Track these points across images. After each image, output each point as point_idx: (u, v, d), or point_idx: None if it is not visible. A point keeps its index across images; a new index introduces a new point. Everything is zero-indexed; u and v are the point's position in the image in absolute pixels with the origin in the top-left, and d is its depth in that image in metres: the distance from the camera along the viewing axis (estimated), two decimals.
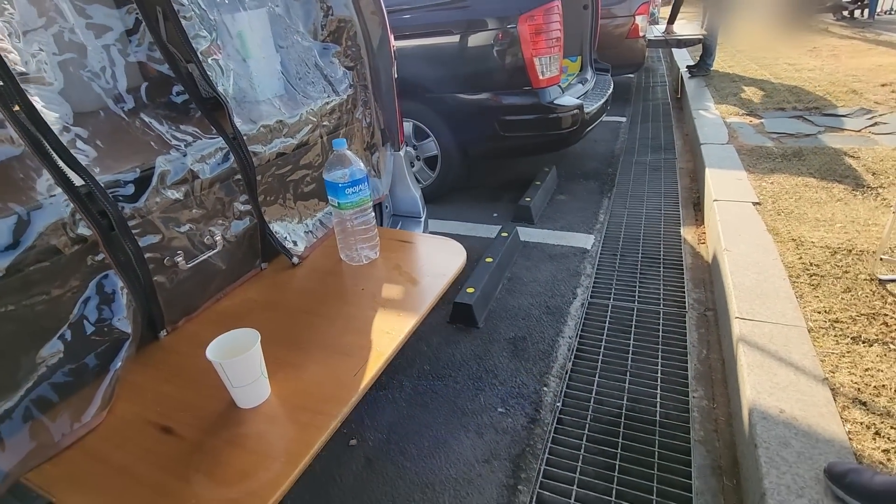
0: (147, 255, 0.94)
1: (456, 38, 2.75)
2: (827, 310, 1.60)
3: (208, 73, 1.09)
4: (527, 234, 2.68)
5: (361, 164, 1.18)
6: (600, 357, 1.77)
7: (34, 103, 0.81)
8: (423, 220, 1.75)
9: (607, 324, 1.94)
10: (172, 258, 1.00)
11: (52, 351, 0.82)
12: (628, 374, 1.68)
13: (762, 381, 1.29)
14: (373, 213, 1.24)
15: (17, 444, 0.75)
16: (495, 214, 2.96)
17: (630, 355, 1.76)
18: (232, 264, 1.17)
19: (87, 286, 0.87)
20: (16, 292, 0.77)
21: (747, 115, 3.78)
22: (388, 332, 1.00)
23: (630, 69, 5.05)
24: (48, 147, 0.82)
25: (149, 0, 1.01)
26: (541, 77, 2.66)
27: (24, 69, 0.82)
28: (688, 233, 2.53)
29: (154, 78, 1.04)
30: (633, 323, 1.92)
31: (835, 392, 1.26)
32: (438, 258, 1.27)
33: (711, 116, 3.77)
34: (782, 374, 1.31)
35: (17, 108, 0.79)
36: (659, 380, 1.64)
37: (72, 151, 0.85)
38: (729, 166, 2.83)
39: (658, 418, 1.49)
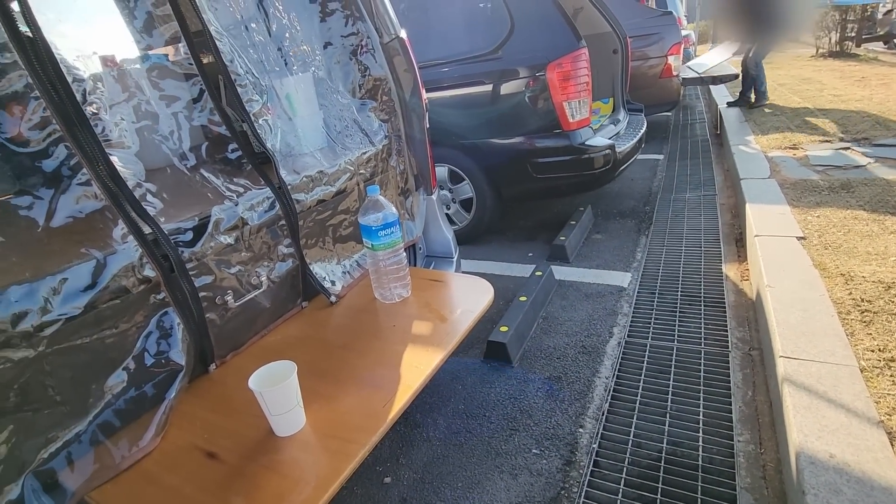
0: (201, 294, 1.04)
1: (488, 88, 2.89)
2: (881, 348, 1.51)
3: (259, 131, 1.23)
4: (562, 272, 2.68)
5: (393, 209, 1.27)
6: (638, 398, 1.73)
7: (115, 164, 0.95)
8: (455, 259, 1.81)
9: (645, 363, 1.89)
10: (223, 297, 1.11)
11: (118, 380, 0.92)
12: (668, 415, 1.62)
13: (810, 423, 1.23)
14: (404, 254, 1.32)
15: (84, 465, 0.84)
16: (530, 254, 2.99)
17: (670, 396, 1.70)
18: (276, 303, 1.26)
19: (149, 322, 0.97)
20: (90, 326, 0.88)
21: (790, 148, 3.69)
22: (417, 366, 1.04)
23: (665, 108, 5.07)
24: (123, 200, 0.95)
25: (211, 72, 1.17)
26: (571, 120, 2.74)
27: (108, 136, 0.97)
28: (730, 270, 2.46)
29: (212, 138, 1.18)
30: (673, 363, 1.87)
31: (892, 436, 1.18)
32: (467, 296, 1.32)
33: (752, 151, 3.71)
34: (832, 416, 1.24)
35: (101, 168, 0.93)
36: (701, 422, 1.57)
37: (142, 204, 0.98)
38: (771, 201, 2.76)
39: (701, 463, 1.43)
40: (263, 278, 1.21)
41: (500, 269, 2.86)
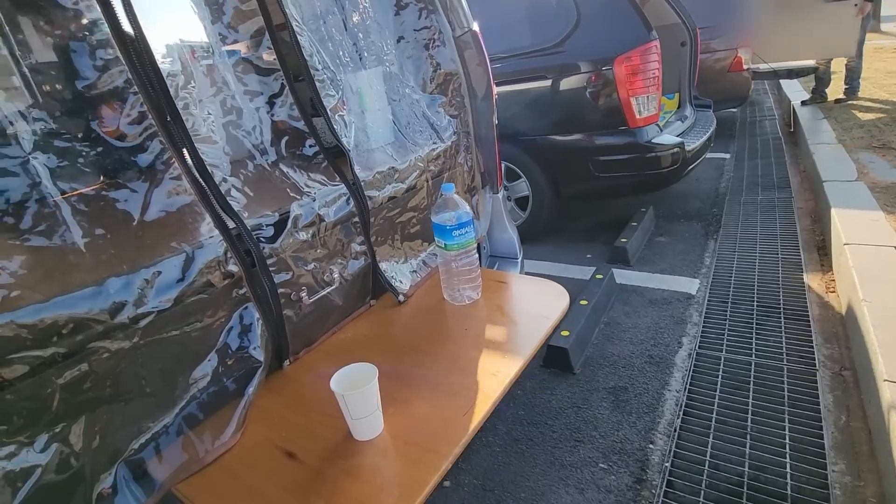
0: (280, 291, 1.04)
1: (551, 82, 2.80)
2: None
3: (334, 126, 1.22)
4: (624, 276, 2.57)
5: (467, 207, 1.23)
6: (714, 415, 1.61)
7: (203, 159, 0.96)
8: (519, 261, 1.75)
9: (720, 378, 1.77)
10: (298, 294, 1.10)
11: (202, 373, 0.93)
12: (749, 436, 1.51)
13: None
14: (476, 255, 1.27)
15: (171, 457, 0.85)
16: (589, 255, 2.88)
17: (750, 416, 1.58)
18: (347, 300, 1.25)
19: (231, 317, 0.98)
20: (178, 320, 0.89)
21: (878, 148, 3.38)
22: (495, 374, 1.00)
23: (734, 103, 4.78)
24: (211, 195, 0.96)
25: (293, 67, 1.16)
26: (638, 116, 2.61)
27: (197, 130, 0.98)
28: (812, 280, 2.27)
29: (291, 133, 1.18)
30: (752, 379, 1.74)
31: None
32: (540, 300, 1.26)
33: (834, 151, 3.42)
34: None
35: (191, 162, 0.94)
36: (787, 447, 1.45)
37: (227, 199, 0.98)
38: (861, 206, 2.52)
39: (790, 492, 1.31)
40: (336, 275, 1.19)
41: (558, 270, 2.77)
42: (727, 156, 4.35)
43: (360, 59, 1.37)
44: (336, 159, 1.23)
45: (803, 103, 4.84)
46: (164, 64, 0.92)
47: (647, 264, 2.69)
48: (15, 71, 0.78)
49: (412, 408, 0.95)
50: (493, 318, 1.22)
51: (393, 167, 1.35)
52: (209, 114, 1.03)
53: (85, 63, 0.84)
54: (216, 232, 0.95)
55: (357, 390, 0.83)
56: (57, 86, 0.82)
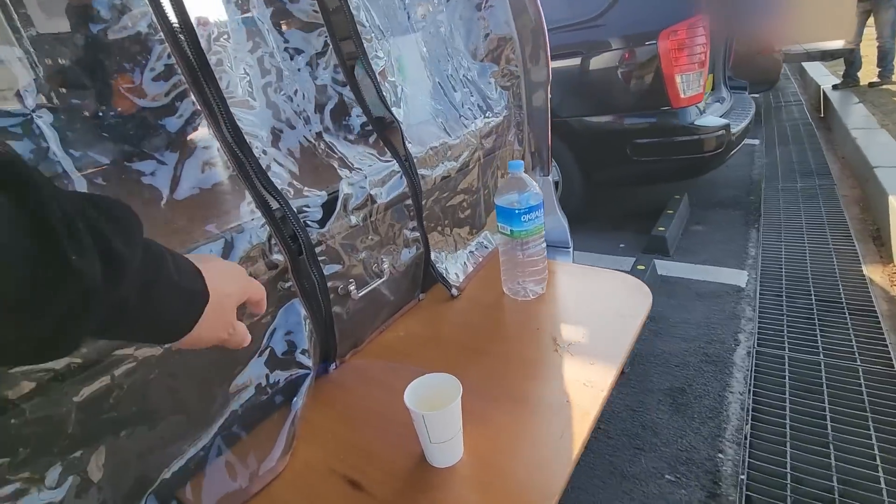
0: (329, 284, 0.88)
1: (586, 59, 2.61)
2: None
3: (384, 94, 1.05)
4: (664, 267, 2.41)
5: (538, 188, 1.06)
6: (787, 421, 1.47)
7: (240, 126, 0.79)
8: (570, 250, 1.59)
9: (787, 380, 1.62)
10: (346, 287, 0.94)
11: (243, 383, 0.78)
12: (831, 446, 1.36)
13: None
14: (545, 244, 1.11)
15: (211, 487, 0.70)
16: (622, 245, 2.72)
17: (829, 422, 1.43)
18: (397, 295, 1.09)
19: (275, 316, 0.82)
20: None
21: None
22: (586, 385, 0.85)
23: (762, 87, 4.57)
24: (250, 170, 0.79)
25: (337, 23, 0.99)
26: (682, 95, 2.43)
27: (233, 92, 0.81)
28: (873, 272, 2.11)
29: (335, 99, 1.01)
30: (824, 381, 1.59)
31: None
32: (618, 297, 1.10)
33: (879, 136, 3.24)
34: None
35: (227, 130, 0.77)
36: (878, 458, 1.30)
37: (269, 174, 0.81)
38: None
39: None
40: (386, 266, 1.03)
41: (591, 260, 2.61)
42: (756, 142, 4.17)
43: (409, 17, 1.19)
44: (385, 131, 1.06)
45: (834, 87, 4.64)
46: (192, 7, 0.75)
47: (687, 254, 2.53)
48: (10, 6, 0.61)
49: (493, 426, 0.79)
50: (565, 316, 1.06)
51: (445, 142, 1.19)
52: (245, 73, 0.86)
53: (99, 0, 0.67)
54: (258, 213, 0.78)
55: (440, 410, 0.68)
56: (65, 27, 0.65)
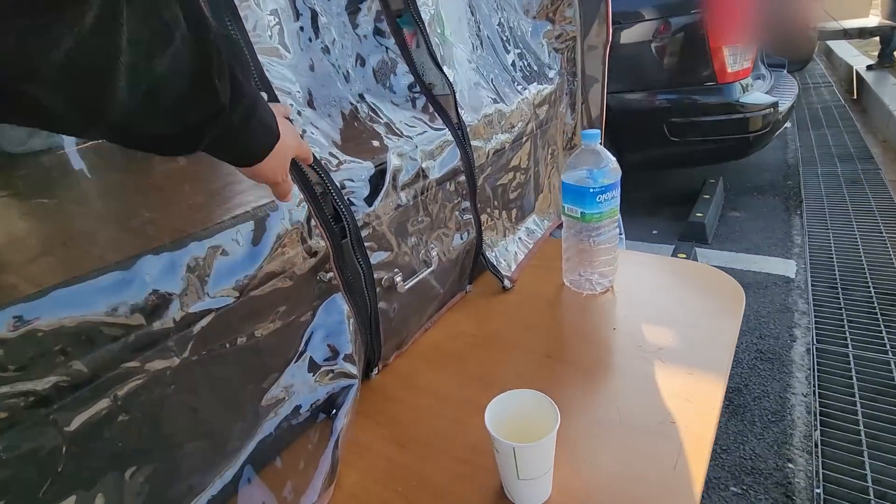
0: (376, 275, 0.72)
1: (620, 28, 2.41)
2: None
3: (434, 50, 0.88)
4: (704, 255, 2.25)
5: (615, 162, 0.90)
6: (860, 427, 1.32)
7: (270, 80, 0.63)
8: (622, 238, 1.43)
9: (855, 381, 1.48)
10: (392, 278, 0.79)
11: (274, 399, 0.63)
12: None
13: None
14: (619, 229, 0.96)
15: None
16: (655, 231, 2.56)
17: None
18: (445, 287, 0.94)
19: (314, 314, 0.67)
20: (245, 320, 0.58)
21: None
22: (690, 401, 0.70)
23: (794, 66, 4.34)
24: None
25: None
26: (729, 70, 2.24)
27: (259, 38, 0.65)
28: None
29: (378, 55, 0.84)
30: None
31: None
32: (703, 292, 0.95)
33: None
34: None
35: (254, 82, 0.61)
36: None
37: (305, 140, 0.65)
38: None
39: None
40: (435, 253, 0.88)
41: (625, 246, 2.45)
42: (787, 124, 3.97)
43: None
44: (434, 94, 0.90)
45: (869, 68, 4.41)
46: None
47: (727, 242, 2.37)
48: None
49: (583, 453, 0.64)
50: (643, 314, 0.91)
51: (500, 110, 1.02)
52: (275, 14, 0.69)
53: None
54: (294, 188, 0.62)
55: (536, 443, 0.53)
56: None
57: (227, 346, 0.56)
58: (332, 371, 0.68)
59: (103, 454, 0.47)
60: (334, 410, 0.68)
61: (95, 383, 0.46)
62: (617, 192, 0.91)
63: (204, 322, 0.53)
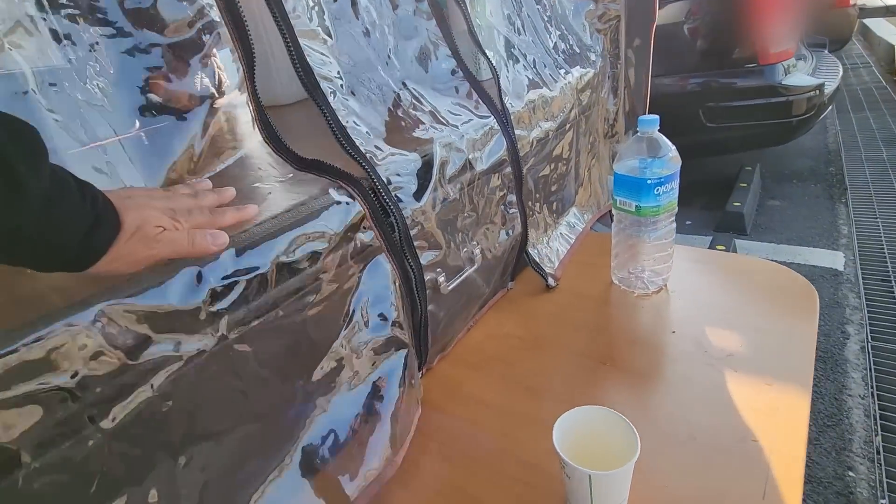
0: (427, 277, 0.67)
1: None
2: None
3: (476, 31, 0.81)
4: (743, 247, 2.15)
5: (674, 150, 0.83)
6: None
7: (310, 64, 0.57)
8: None
9: None
10: (436, 277, 0.73)
11: (324, 372, 0.58)
12: None
13: None
14: (675, 224, 0.89)
15: None
16: (688, 222, 2.46)
17: None
18: (487, 285, 0.88)
19: (360, 279, 0.61)
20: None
21: None
22: (771, 415, 0.63)
23: (833, 46, 4.14)
24: (330, 127, 0.58)
25: None
26: (771, 50, 2.12)
27: (298, 18, 0.59)
28: None
29: (419, 37, 0.78)
30: None
31: None
32: (768, 291, 0.87)
33: None
34: None
35: (297, 70, 0.56)
36: None
37: (349, 132, 0.60)
38: None
39: None
40: (478, 249, 0.82)
41: None
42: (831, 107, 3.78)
43: None
44: (478, 80, 0.83)
45: None
46: None
47: (767, 233, 2.26)
48: None
49: (655, 472, 0.58)
50: (705, 315, 0.84)
51: (543, 96, 0.95)
52: None
53: None
54: (339, 182, 0.57)
55: (614, 471, 0.47)
56: None
57: (270, 320, 0.51)
58: (383, 339, 0.63)
59: (151, 448, 0.43)
60: (388, 379, 0.64)
61: (129, 374, 0.41)
62: (676, 184, 0.84)
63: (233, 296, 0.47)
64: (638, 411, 0.67)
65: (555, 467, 0.60)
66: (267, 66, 0.80)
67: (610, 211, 1.33)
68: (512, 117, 0.86)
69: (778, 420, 0.62)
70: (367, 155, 0.61)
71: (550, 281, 0.97)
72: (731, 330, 0.79)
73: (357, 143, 0.60)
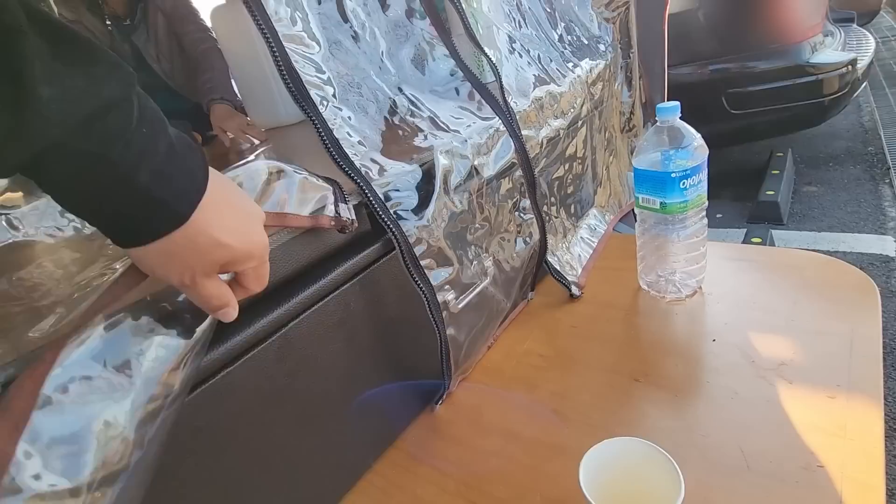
0: (439, 298, 0.61)
1: None
2: None
3: (471, 26, 0.76)
4: (781, 238, 2.02)
5: (699, 138, 0.75)
6: None
7: (297, 69, 0.53)
8: None
9: None
10: (444, 295, 0.67)
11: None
12: None
13: None
14: (706, 220, 0.81)
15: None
16: (719, 215, 2.34)
17: None
18: (510, 299, 0.82)
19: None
20: None
21: None
22: (838, 435, 0.55)
23: (862, 20, 3.93)
24: (325, 140, 0.53)
25: None
26: (797, 28, 2.00)
27: (280, 21, 0.55)
28: None
29: (413, 37, 0.73)
30: None
31: None
32: (825, 290, 0.78)
33: None
34: None
35: (284, 77, 0.51)
36: None
37: (342, 145, 0.55)
38: None
39: None
40: (490, 262, 0.76)
41: None
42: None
43: None
44: (479, 80, 0.78)
45: None
46: None
47: (806, 221, 2.13)
48: None
49: None
50: (749, 319, 0.75)
51: (551, 92, 0.89)
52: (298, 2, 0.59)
53: None
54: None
55: None
56: None
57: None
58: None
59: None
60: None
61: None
62: (704, 175, 0.76)
63: None
64: (680, 436, 0.59)
65: None
66: (268, 89, 0.77)
67: (633, 210, 1.26)
68: (518, 117, 0.80)
69: (847, 440, 0.54)
70: (363, 171, 0.56)
71: (574, 290, 0.90)
72: (779, 335, 0.70)
73: (351, 157, 0.55)
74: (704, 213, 0.80)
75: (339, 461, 0.59)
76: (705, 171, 0.76)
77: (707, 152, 0.76)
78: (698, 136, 0.75)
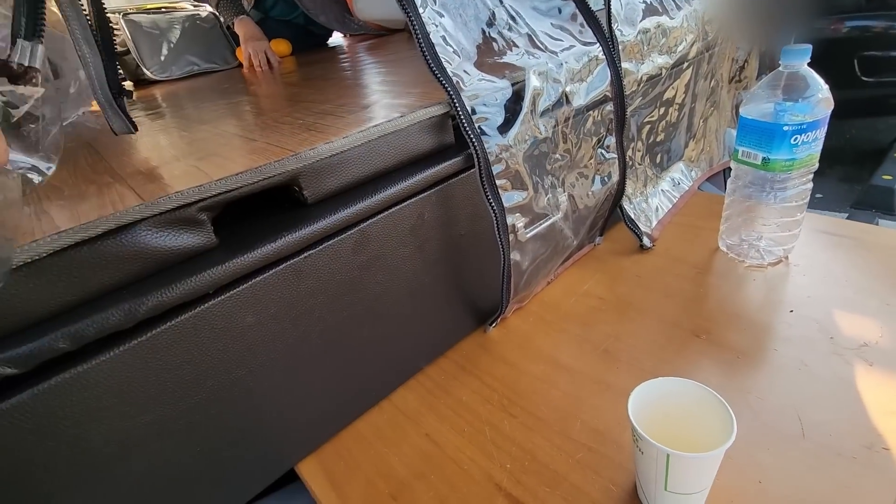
0: (510, 221, 0.62)
1: None
2: None
3: None
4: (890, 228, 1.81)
5: (827, 92, 0.67)
6: None
7: None
8: None
9: None
10: (514, 223, 0.67)
11: None
12: None
13: None
14: (811, 184, 0.74)
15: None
16: (819, 195, 2.12)
17: None
18: (577, 237, 0.81)
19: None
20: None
21: None
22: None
23: None
24: (422, 44, 0.53)
25: None
26: None
27: None
28: None
29: None
30: None
31: None
32: None
33: None
34: None
35: None
36: None
37: (437, 50, 0.54)
38: None
39: None
40: (564, 197, 0.74)
41: None
42: None
43: None
44: (581, 1, 0.72)
45: None
46: None
47: None
48: None
49: (750, 464, 0.50)
50: (836, 296, 0.70)
51: (661, 24, 0.81)
52: None
53: None
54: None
55: (699, 455, 0.40)
56: None
57: None
58: None
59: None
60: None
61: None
62: (822, 133, 0.69)
63: None
64: (736, 395, 0.58)
65: (626, 438, 0.54)
66: None
67: (723, 171, 1.17)
68: (620, 47, 0.75)
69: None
70: (455, 79, 0.55)
71: (646, 241, 0.87)
72: (868, 316, 0.65)
73: (443, 63, 0.55)
74: (811, 175, 0.73)
75: (396, 357, 0.64)
76: (824, 129, 0.69)
77: (832, 106, 0.68)
78: (825, 87, 0.67)
